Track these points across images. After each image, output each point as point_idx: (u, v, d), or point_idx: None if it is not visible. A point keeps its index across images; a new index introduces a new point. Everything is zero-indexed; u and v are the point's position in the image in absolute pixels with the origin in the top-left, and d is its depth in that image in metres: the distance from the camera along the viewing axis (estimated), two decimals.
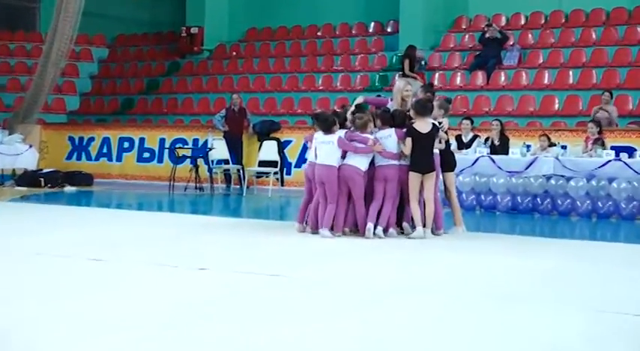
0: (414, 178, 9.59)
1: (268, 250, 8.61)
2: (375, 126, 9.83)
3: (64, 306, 5.65)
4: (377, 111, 10.14)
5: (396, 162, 9.67)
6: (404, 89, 10.14)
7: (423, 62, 18.98)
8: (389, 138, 9.72)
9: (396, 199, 9.70)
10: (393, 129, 9.74)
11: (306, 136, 10.66)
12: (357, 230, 9.75)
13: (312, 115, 10.79)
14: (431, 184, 9.63)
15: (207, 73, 22.17)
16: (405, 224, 9.88)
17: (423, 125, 9.60)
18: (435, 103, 9.93)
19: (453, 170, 10.40)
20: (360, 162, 9.64)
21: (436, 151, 9.78)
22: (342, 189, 9.63)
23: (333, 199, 9.57)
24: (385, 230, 9.60)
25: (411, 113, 9.73)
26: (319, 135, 9.78)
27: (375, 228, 9.54)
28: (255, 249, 8.65)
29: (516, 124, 16.70)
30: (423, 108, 9.64)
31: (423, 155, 9.58)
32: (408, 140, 9.57)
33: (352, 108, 10.11)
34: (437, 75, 19.08)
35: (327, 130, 9.72)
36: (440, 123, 9.88)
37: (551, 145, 13.83)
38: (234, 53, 22.78)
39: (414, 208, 9.61)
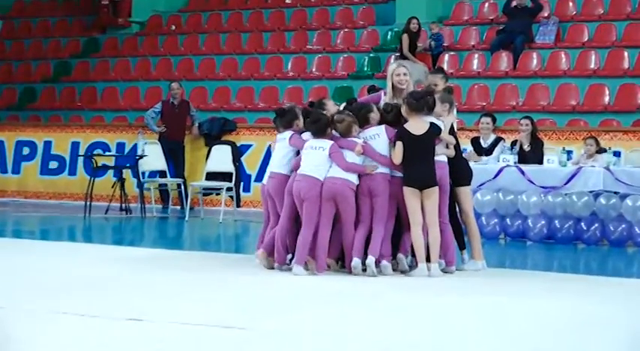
0: (410, 195, 9.62)
1: (220, 293, 8.65)
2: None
3: None
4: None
5: (384, 170, 9.75)
6: (394, 73, 10.21)
7: (432, 43, 18.90)
8: (377, 138, 9.80)
9: (388, 221, 9.77)
10: (383, 126, 9.83)
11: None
12: (344, 264, 9.85)
13: (284, 110, 10.78)
14: (433, 204, 9.68)
15: (137, 54, 22.20)
16: (399, 256, 9.93)
17: (416, 125, 9.66)
18: (436, 97, 9.91)
19: (467, 184, 10.44)
20: (349, 173, 9.75)
21: (443, 158, 9.85)
22: (328, 209, 9.70)
23: (312, 223, 9.65)
24: (377, 262, 9.65)
25: (403, 110, 9.79)
26: (312, 141, 9.82)
27: (363, 262, 9.61)
28: (203, 292, 8.69)
29: (553, 123, 16.87)
30: (418, 103, 9.68)
31: (419, 165, 9.61)
32: (399, 145, 9.63)
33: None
34: (446, 56, 19.20)
35: (320, 133, 9.82)
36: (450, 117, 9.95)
37: (600, 151, 13.96)
38: (173, 27, 22.83)
39: (416, 237, 9.67)
